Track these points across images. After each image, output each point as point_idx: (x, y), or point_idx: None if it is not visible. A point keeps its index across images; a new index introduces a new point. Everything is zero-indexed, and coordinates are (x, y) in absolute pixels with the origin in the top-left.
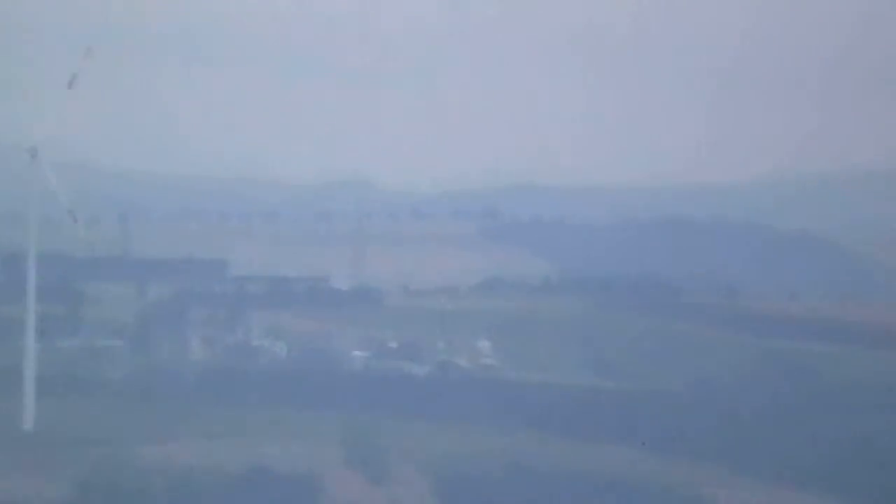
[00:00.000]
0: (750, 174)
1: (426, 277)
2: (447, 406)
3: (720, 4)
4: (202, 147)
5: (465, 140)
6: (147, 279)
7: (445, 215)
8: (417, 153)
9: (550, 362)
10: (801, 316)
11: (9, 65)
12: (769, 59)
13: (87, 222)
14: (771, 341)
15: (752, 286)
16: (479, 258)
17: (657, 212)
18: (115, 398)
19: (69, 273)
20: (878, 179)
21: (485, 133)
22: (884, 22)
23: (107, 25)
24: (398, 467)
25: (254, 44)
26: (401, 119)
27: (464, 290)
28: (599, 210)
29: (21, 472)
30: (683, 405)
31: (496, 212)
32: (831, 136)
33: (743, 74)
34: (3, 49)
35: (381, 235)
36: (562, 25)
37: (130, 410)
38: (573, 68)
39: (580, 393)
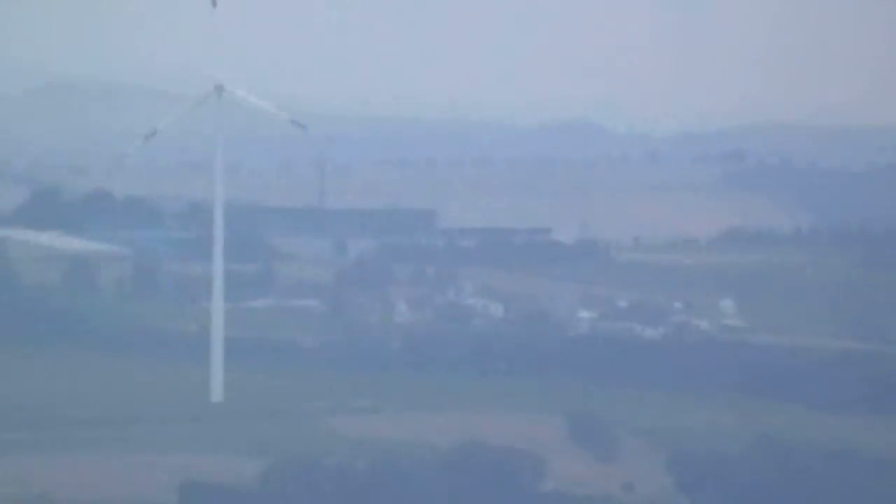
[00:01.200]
0: None
1: (661, 229)
2: (685, 373)
3: None
4: (408, 86)
5: (708, 73)
6: (346, 233)
7: (684, 159)
8: (653, 89)
9: (804, 324)
10: None
11: None
12: None
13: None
14: None
15: None
16: (722, 206)
17: None
18: (312, 365)
19: (260, 226)
20: None
21: (729, 65)
22: None
23: None
24: (629, 442)
25: None
26: (634, 49)
27: (704, 243)
28: (859, 152)
29: (210, 448)
30: None
31: (742, 154)
32: None
33: None
34: None
35: (611, 182)
36: None
37: (329, 379)
38: None
39: (840, 359)
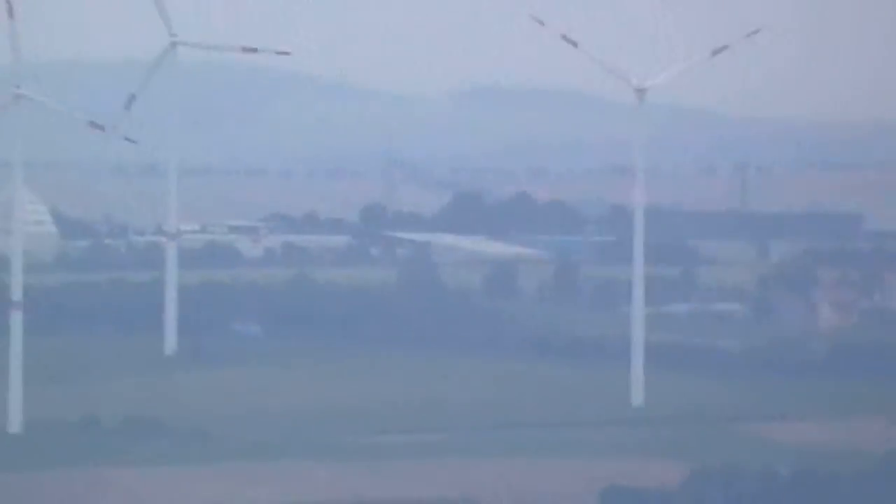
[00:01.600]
0: None
1: None
2: None
3: None
4: (827, 90)
5: None
6: (769, 235)
7: None
8: None
9: None
10: None
11: None
12: None
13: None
14: None
15: None
16: None
17: None
18: (734, 369)
19: (680, 230)
20: None
21: None
22: None
23: None
24: None
25: None
26: None
27: None
28: None
29: (632, 452)
30: None
31: None
32: None
33: None
34: None
35: None
36: None
37: (751, 384)
38: None
39: None
